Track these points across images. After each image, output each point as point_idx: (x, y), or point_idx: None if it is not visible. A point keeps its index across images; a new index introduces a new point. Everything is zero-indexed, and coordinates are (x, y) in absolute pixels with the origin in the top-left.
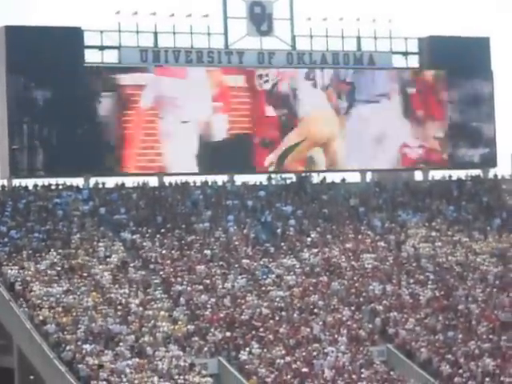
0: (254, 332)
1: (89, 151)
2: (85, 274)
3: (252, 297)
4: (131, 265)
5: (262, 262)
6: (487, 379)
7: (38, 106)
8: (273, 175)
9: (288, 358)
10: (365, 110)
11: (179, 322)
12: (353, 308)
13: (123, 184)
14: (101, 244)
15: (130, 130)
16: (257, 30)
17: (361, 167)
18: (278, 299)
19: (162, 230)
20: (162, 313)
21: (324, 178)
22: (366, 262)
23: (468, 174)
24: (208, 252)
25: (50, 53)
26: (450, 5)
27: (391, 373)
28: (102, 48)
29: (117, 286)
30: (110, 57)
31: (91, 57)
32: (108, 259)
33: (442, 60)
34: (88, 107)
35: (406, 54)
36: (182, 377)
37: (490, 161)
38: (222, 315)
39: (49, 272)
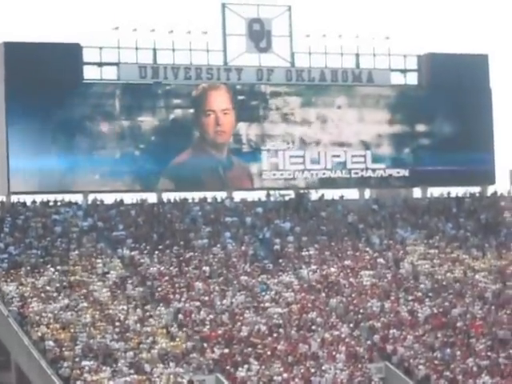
0: (252, 349)
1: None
2: (83, 291)
3: (250, 313)
4: (129, 281)
5: (260, 279)
6: None
7: (37, 124)
8: (271, 192)
9: (286, 375)
10: None
11: (177, 339)
12: (351, 325)
13: (122, 200)
14: (99, 260)
15: None
16: (256, 47)
17: None
18: (276, 316)
19: (161, 247)
20: (160, 329)
21: (322, 195)
22: (365, 279)
23: (467, 191)
24: (206, 268)
25: (49, 69)
26: (448, 22)
27: None
28: (100, 64)
29: (115, 302)
30: (109, 73)
31: (90, 73)
32: (106, 275)
33: (440, 77)
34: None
35: (404, 71)
36: None
37: (488, 178)
38: (220, 332)
39: (47, 288)
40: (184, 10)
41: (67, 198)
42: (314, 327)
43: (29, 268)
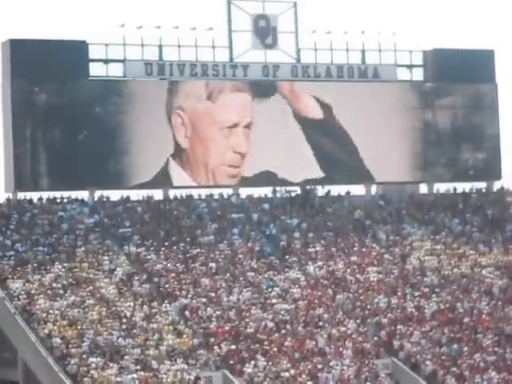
0: (258, 345)
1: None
2: (90, 288)
3: (257, 310)
4: (136, 278)
5: (266, 275)
6: None
7: (42, 117)
8: (277, 188)
9: (293, 371)
10: None
11: (184, 336)
12: (358, 321)
13: (128, 197)
14: (105, 257)
15: None
16: (261, 43)
17: None
18: (282, 312)
19: (167, 243)
20: (167, 326)
21: (329, 191)
22: (371, 275)
23: (473, 187)
24: (213, 265)
25: (55, 66)
26: (454, 17)
27: None
28: (106, 61)
29: (122, 299)
30: (115, 70)
31: (96, 70)
32: (113, 272)
33: (446, 73)
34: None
35: (410, 66)
36: None
37: (494, 173)
38: (226, 328)
39: (54, 285)
40: (189, 7)
41: (73, 194)
42: (320, 323)
43: (35, 265)
